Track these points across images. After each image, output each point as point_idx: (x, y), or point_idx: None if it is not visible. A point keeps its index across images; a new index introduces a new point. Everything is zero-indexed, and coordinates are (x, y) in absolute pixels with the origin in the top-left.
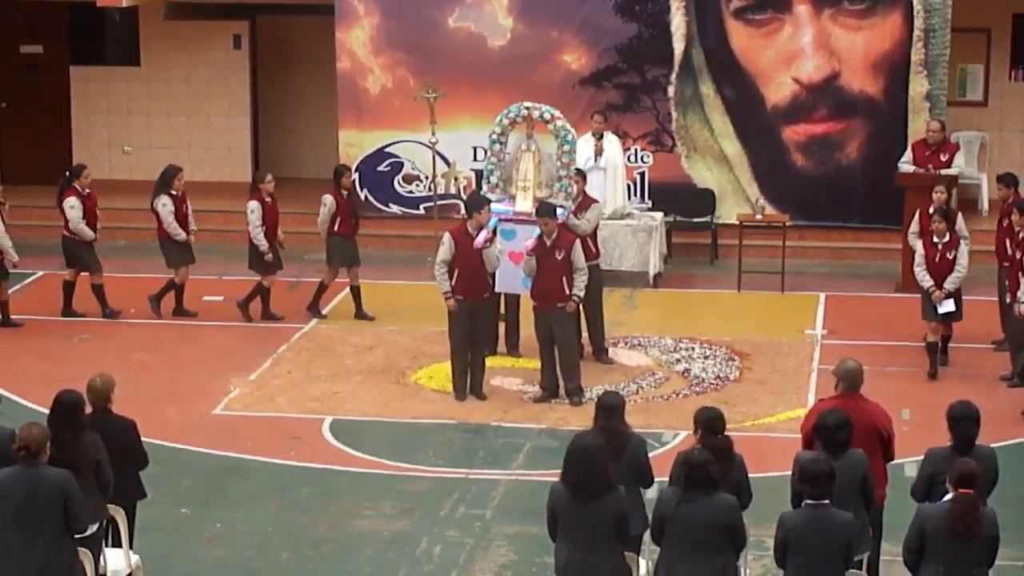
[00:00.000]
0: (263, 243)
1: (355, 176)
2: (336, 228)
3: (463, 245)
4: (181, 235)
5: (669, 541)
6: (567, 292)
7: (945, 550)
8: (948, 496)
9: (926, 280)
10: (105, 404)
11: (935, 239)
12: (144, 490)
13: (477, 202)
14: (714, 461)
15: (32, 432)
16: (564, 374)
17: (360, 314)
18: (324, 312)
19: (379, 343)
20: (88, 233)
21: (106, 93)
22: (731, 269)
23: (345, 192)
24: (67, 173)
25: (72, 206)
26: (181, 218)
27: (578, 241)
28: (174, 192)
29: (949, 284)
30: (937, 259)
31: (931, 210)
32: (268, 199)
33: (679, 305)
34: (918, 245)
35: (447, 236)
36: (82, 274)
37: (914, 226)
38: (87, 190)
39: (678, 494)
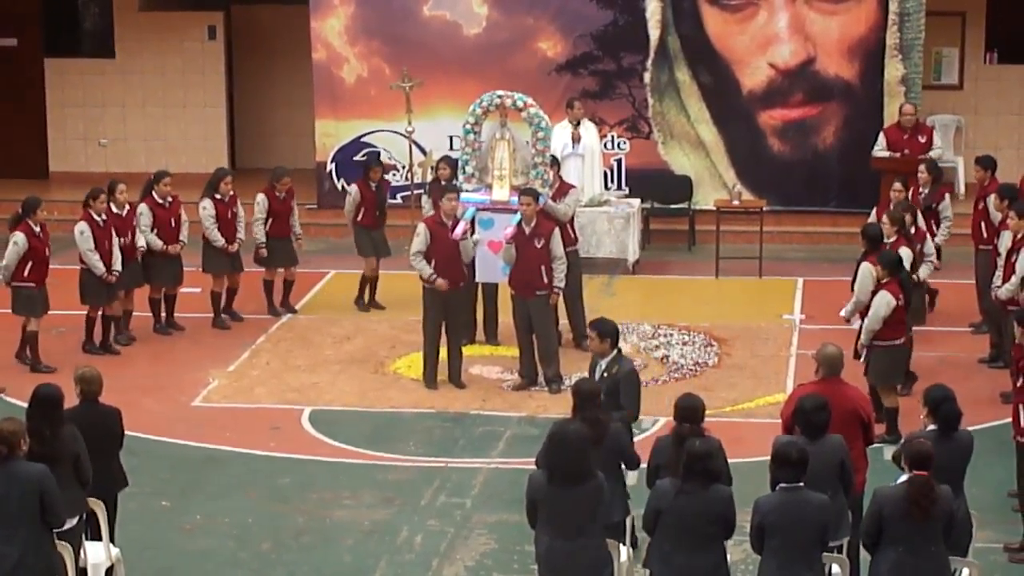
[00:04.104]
0: (218, 239)
1: (332, 167)
2: (360, 219)
3: (438, 235)
4: (219, 242)
5: (665, 532)
6: (545, 280)
7: (904, 532)
8: (903, 477)
9: (856, 322)
10: (98, 395)
11: None
12: (127, 480)
13: (442, 190)
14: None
15: (5, 428)
16: (543, 362)
17: (370, 302)
18: (296, 307)
19: (357, 332)
20: (99, 268)
21: (81, 85)
22: (709, 255)
23: (373, 184)
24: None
25: (81, 231)
26: (224, 223)
27: (557, 229)
28: (219, 196)
29: (863, 336)
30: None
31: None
32: (280, 195)
33: (657, 291)
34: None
35: (422, 227)
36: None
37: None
38: (103, 215)
39: (676, 485)
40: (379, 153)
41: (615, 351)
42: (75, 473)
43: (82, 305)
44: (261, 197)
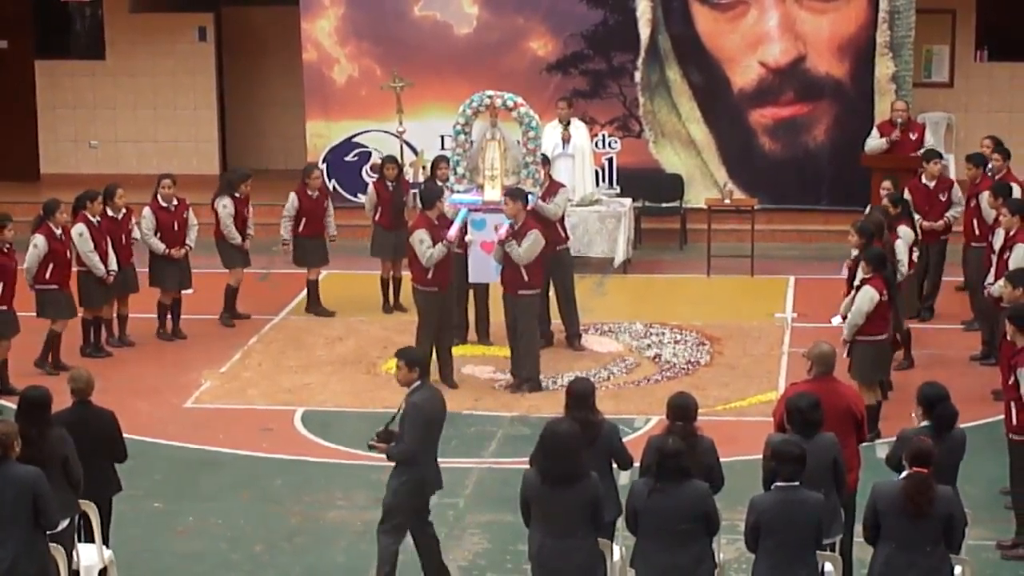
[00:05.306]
0: (235, 237)
1: (323, 167)
2: (377, 218)
3: (436, 238)
4: (236, 239)
5: (644, 532)
6: (527, 280)
7: (898, 528)
8: (903, 474)
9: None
10: (89, 395)
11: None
12: (120, 483)
13: (435, 192)
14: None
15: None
16: (520, 360)
17: (396, 305)
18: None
19: (349, 333)
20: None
21: (72, 87)
22: (700, 254)
23: (390, 183)
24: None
25: (80, 232)
26: (240, 222)
27: (536, 230)
28: (237, 195)
29: (845, 331)
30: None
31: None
32: (312, 194)
33: (649, 291)
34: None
35: (426, 234)
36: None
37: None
38: (97, 218)
39: (649, 484)
40: (371, 153)
41: (419, 381)
42: (65, 475)
43: (80, 306)
44: (292, 196)
